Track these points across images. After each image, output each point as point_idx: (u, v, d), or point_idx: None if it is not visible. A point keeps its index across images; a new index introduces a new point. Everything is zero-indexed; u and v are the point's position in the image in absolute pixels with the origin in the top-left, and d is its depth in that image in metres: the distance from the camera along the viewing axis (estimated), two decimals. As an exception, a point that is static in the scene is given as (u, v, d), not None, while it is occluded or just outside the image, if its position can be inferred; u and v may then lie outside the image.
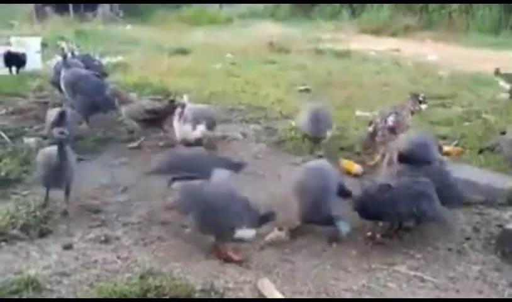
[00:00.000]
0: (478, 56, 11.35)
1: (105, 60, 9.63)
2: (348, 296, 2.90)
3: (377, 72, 9.55)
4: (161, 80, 8.13)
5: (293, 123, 5.85)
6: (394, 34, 15.59)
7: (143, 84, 7.81)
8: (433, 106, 6.72)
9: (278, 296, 2.82)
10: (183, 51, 11.38)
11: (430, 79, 8.77)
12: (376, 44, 13.44)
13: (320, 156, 5.20)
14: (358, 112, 6.65)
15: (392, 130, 4.97)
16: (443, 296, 2.92)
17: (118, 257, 3.23)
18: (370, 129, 5.09)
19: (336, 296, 2.88)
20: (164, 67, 9.38)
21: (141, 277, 2.93)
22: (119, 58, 9.95)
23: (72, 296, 2.80)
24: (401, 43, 13.69)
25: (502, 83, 7.31)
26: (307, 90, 8.09)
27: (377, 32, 16.05)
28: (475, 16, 15.15)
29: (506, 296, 2.93)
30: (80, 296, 2.80)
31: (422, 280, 3.06)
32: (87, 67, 6.94)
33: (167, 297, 2.74)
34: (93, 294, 2.79)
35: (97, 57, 7.47)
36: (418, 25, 15.86)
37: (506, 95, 7.30)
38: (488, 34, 14.42)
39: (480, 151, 4.86)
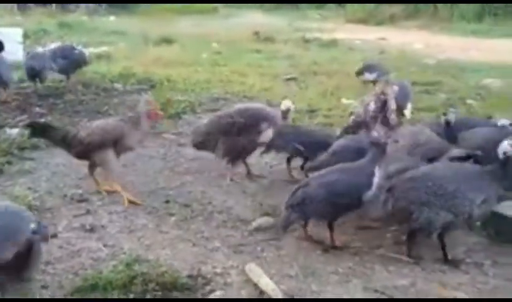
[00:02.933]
0: (462, 44, 11.46)
1: (88, 51, 9.52)
2: (336, 278, 2.90)
3: (362, 60, 9.53)
4: (146, 70, 8.06)
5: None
6: (380, 23, 15.66)
7: (127, 74, 7.74)
8: (418, 92, 6.78)
9: (266, 279, 2.82)
10: (168, 41, 11.29)
11: (415, 67, 8.81)
12: (362, 33, 13.48)
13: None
14: (344, 100, 6.67)
15: (375, 118, 5.00)
16: (430, 277, 2.93)
17: (104, 245, 3.19)
18: (351, 119, 5.06)
19: (323, 279, 2.88)
20: (149, 57, 9.30)
21: (127, 265, 2.90)
22: (103, 49, 9.82)
23: (56, 285, 2.76)
24: (387, 32, 13.74)
25: (366, 74, 7.19)
26: (293, 79, 8.10)
27: (363, 21, 16.11)
28: (458, 4, 15.25)
29: (490, 275, 2.96)
30: (64, 284, 2.77)
31: (409, 262, 3.07)
32: (65, 57, 6.86)
33: (153, 283, 2.72)
34: (78, 282, 2.76)
35: (79, 47, 7.34)
36: (403, 14, 15.93)
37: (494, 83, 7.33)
38: (472, 22, 14.55)
39: None
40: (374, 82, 7.12)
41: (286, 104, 4.26)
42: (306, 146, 4.15)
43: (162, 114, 4.45)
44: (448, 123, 4.08)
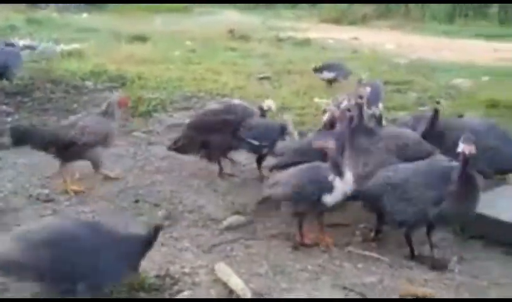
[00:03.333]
0: (434, 44, 11.66)
1: (59, 48, 9.34)
2: (305, 275, 2.91)
3: (335, 59, 9.60)
4: (117, 67, 7.94)
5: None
6: (352, 23, 15.80)
7: (98, 72, 7.61)
8: (390, 91, 6.86)
9: (235, 278, 2.80)
10: (141, 39, 11.14)
11: (387, 67, 8.92)
12: (335, 33, 13.57)
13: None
14: (316, 99, 6.71)
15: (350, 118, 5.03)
16: (397, 274, 2.97)
17: (70, 246, 3.12)
18: (325, 117, 5.07)
19: (293, 277, 2.88)
20: (121, 54, 9.16)
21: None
22: (74, 46, 9.63)
23: (17, 287, 2.68)
24: (360, 31, 13.88)
25: (324, 73, 7.35)
26: (267, 77, 8.10)
27: (336, 21, 16.23)
28: (430, 5, 15.53)
29: (456, 271, 3.01)
30: (28, 286, 2.68)
31: (378, 259, 3.09)
32: None
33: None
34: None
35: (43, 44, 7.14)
36: (376, 14, 16.12)
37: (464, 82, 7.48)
38: (443, 23, 14.83)
39: None
40: (332, 81, 7.24)
41: (268, 103, 4.39)
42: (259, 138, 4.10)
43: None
44: (436, 113, 3.84)
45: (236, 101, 4.57)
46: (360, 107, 3.56)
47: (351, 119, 3.51)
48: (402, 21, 15.23)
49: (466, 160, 2.90)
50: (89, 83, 7.15)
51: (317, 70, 7.36)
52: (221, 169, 4.32)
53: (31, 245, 2.29)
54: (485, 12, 15.29)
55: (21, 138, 3.89)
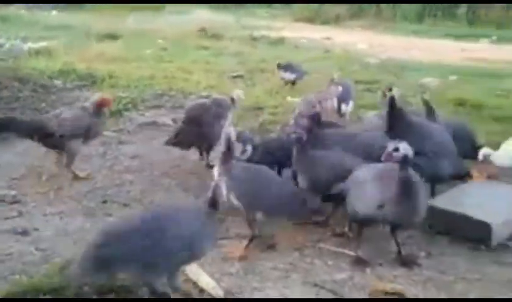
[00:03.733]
0: (404, 44, 11.85)
1: (26, 46, 9.12)
2: (276, 274, 2.91)
3: (308, 59, 9.68)
4: (87, 66, 7.80)
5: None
6: (325, 23, 15.93)
7: (67, 70, 7.46)
8: (361, 90, 6.94)
9: (206, 278, 2.79)
10: (113, 37, 11.00)
11: (358, 66, 9.01)
12: (308, 32, 13.66)
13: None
14: (289, 98, 6.73)
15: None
16: (367, 270, 2.99)
17: (36, 249, 3.05)
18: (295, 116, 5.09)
19: (264, 275, 2.88)
20: (92, 52, 9.01)
21: (62, 268, 2.78)
22: (43, 44, 9.41)
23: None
24: (333, 31, 14.00)
25: (286, 74, 7.32)
26: (240, 76, 8.08)
27: (310, 20, 16.33)
28: (401, 5, 15.78)
29: (424, 267, 3.06)
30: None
31: (348, 255, 3.12)
32: None
33: (87, 287, 2.62)
34: (7, 288, 2.62)
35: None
36: (348, 14, 16.29)
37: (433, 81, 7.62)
38: (413, 23, 15.09)
39: None
40: (293, 82, 7.27)
41: (237, 92, 4.50)
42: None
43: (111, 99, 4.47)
44: (392, 100, 3.59)
45: (219, 96, 4.73)
46: (312, 118, 3.65)
47: (304, 128, 3.53)
48: (374, 21, 15.43)
49: (404, 163, 2.87)
50: (57, 82, 7.02)
51: (281, 67, 7.34)
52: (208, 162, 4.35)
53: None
54: (453, 12, 15.62)
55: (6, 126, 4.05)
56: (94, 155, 4.63)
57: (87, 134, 4.02)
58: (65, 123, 3.94)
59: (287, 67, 7.31)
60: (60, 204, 3.65)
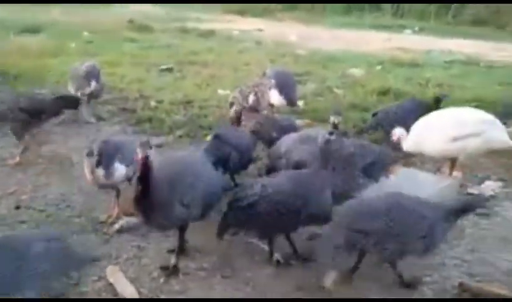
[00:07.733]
0: (332, 36, 12.08)
1: None
2: (202, 274, 2.86)
3: (239, 51, 9.65)
4: (4, 62, 7.32)
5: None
6: (257, 15, 15.93)
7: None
8: (291, 82, 6.94)
9: (125, 281, 2.70)
10: (33, 30, 10.42)
11: (288, 58, 9.07)
12: (240, 24, 13.61)
13: (180, 136, 5.11)
14: (219, 91, 6.66)
15: (254, 109, 5.04)
16: (290, 269, 3.00)
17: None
18: (233, 109, 5.01)
19: (187, 277, 2.81)
20: (10, 47, 8.48)
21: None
22: None
23: None
24: (265, 23, 14.03)
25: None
26: (169, 69, 7.90)
27: (241, 12, 16.28)
28: (331, -1, 16.08)
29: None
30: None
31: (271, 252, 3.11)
32: None
33: None
34: None
35: None
36: (280, 6, 16.39)
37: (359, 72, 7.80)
38: (342, 16, 15.44)
39: (360, 132, 5.03)
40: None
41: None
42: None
43: None
44: (335, 127, 3.46)
45: None
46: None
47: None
48: (305, 13, 15.63)
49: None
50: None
51: None
52: None
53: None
54: (379, 5, 16.10)
55: None
56: (7, 157, 4.35)
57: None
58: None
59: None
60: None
